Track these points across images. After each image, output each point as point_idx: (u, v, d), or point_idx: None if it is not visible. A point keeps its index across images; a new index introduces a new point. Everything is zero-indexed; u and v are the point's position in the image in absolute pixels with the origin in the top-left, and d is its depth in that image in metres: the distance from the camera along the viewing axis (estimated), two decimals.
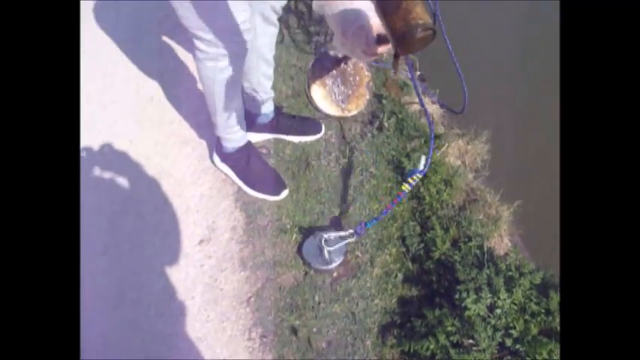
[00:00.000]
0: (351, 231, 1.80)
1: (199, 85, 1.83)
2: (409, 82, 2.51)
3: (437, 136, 2.20)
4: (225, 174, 2.07)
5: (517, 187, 2.12)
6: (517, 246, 1.95)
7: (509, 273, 1.71)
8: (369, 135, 2.20)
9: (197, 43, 1.56)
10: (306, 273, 1.88)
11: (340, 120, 2.25)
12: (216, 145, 2.05)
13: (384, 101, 2.28)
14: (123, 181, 2.09)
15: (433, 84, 2.55)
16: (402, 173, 2.07)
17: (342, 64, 1.18)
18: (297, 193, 2.05)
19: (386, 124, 2.20)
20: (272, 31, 1.81)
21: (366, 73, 1.21)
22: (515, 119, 2.48)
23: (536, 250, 1.96)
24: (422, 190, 2.00)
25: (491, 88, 2.59)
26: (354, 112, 1.19)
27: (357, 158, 2.15)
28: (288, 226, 1.97)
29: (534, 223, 2.05)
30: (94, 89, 2.30)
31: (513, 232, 2.00)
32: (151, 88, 2.37)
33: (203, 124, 2.19)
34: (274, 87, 2.03)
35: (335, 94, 1.18)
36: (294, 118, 2.20)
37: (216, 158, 2.07)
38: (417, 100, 2.33)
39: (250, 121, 2.06)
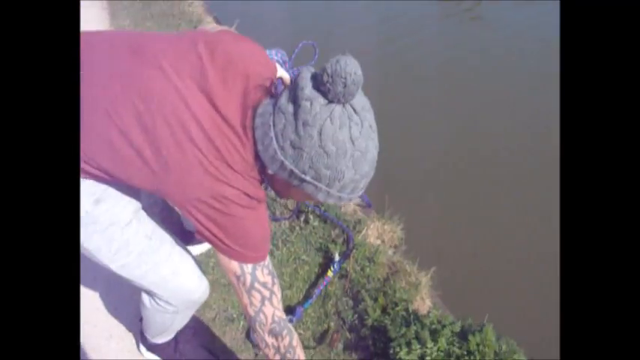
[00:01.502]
0: (290, 317, 2.03)
1: None
2: None
3: (357, 221, 2.52)
4: None
5: (431, 255, 2.44)
6: (437, 304, 2.23)
7: (433, 326, 1.96)
8: (297, 228, 2.49)
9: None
10: (256, 354, 2.05)
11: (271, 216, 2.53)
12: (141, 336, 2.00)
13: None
14: None
15: None
16: (330, 258, 2.34)
17: None
18: None
19: (311, 217, 2.50)
20: None
21: None
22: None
23: (452, 305, 2.25)
24: (349, 268, 2.27)
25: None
26: None
27: (290, 249, 2.41)
28: (235, 316, 2.16)
29: (449, 284, 2.36)
30: None
31: (432, 293, 2.28)
32: None
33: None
34: None
35: None
36: None
37: (142, 348, 2.03)
38: None
39: (190, 237, 2.28)
